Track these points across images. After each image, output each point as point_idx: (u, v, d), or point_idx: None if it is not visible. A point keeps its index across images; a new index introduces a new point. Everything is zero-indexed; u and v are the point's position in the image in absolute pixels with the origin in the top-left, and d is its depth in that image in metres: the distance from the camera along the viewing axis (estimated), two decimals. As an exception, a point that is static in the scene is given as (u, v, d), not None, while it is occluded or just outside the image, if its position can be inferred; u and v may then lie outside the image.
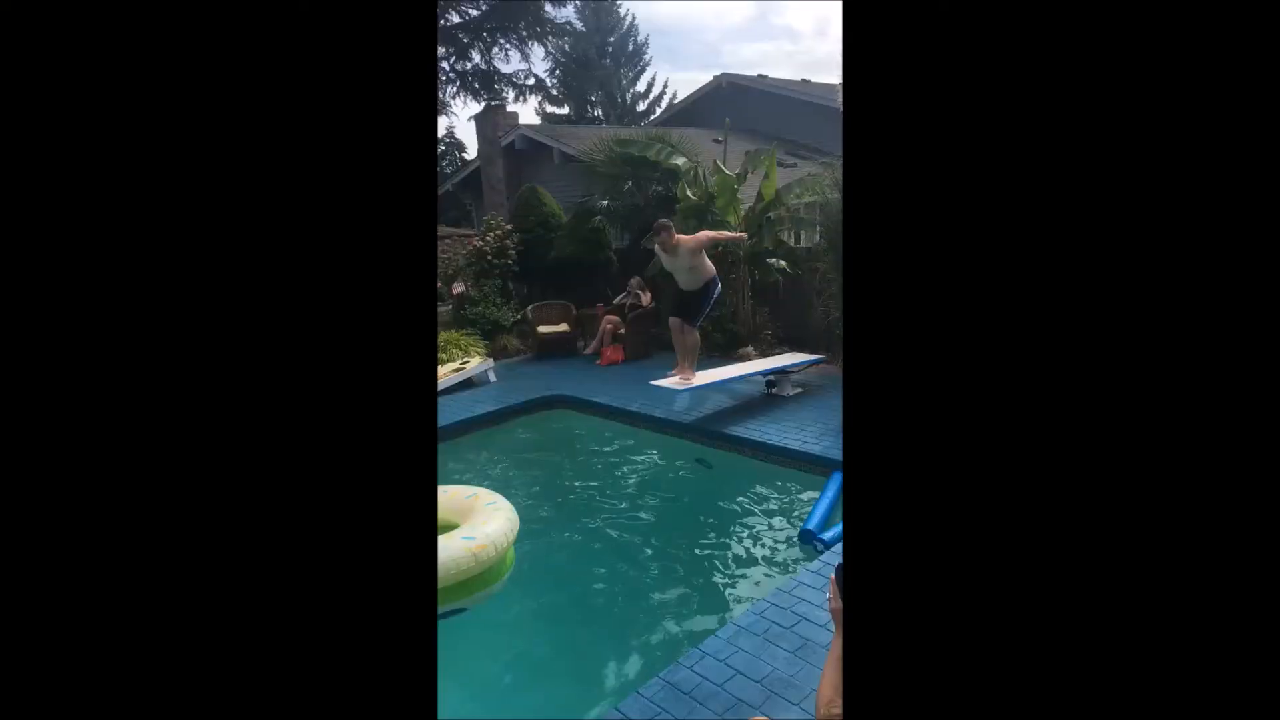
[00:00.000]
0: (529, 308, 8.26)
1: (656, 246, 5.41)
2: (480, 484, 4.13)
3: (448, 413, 5.89)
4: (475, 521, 3.17)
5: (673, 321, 5.59)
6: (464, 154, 20.02)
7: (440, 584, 2.86)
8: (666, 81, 32.14)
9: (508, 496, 3.75)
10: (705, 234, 5.46)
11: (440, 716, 2.79)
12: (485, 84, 19.89)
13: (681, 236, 5.30)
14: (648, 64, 22.51)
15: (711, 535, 4.00)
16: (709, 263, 5.42)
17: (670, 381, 5.55)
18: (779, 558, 3.70)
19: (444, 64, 19.42)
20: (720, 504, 4.37)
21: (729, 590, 3.46)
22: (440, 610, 2.96)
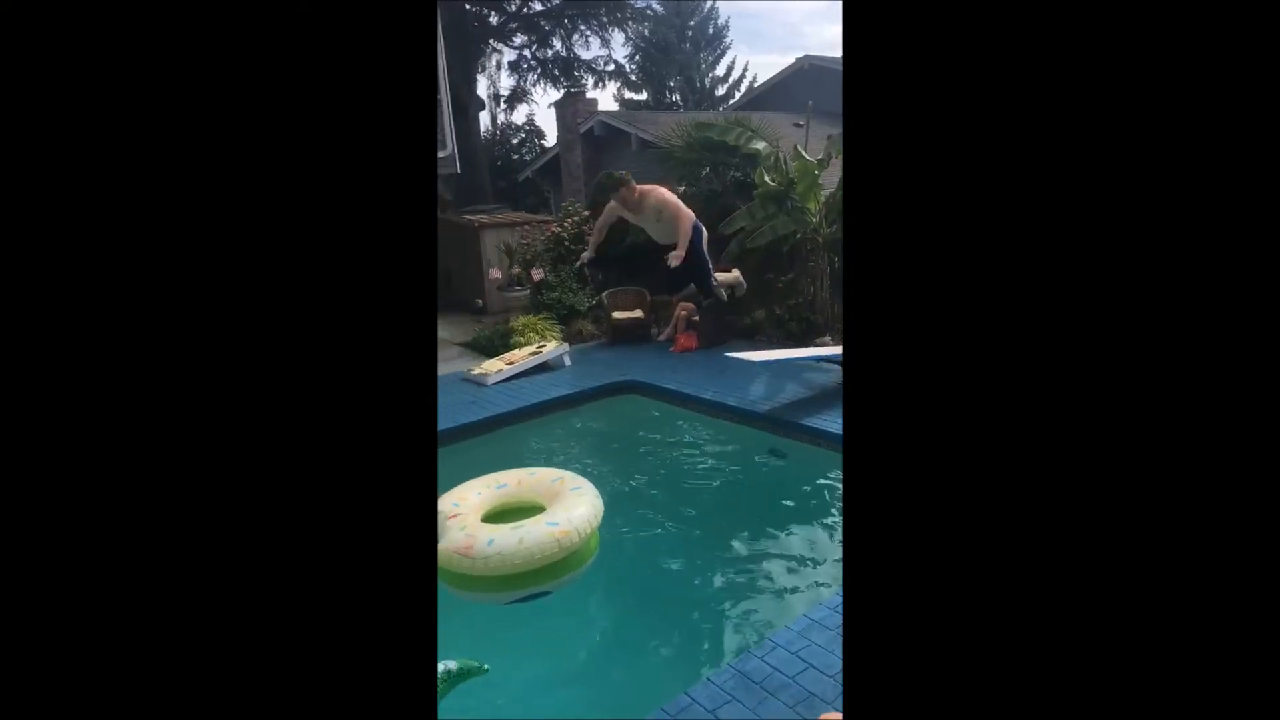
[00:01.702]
0: (604, 294, 8.32)
1: (614, 204, 4.53)
2: (552, 465, 4.20)
3: (524, 395, 6.02)
4: (560, 506, 3.23)
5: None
6: (543, 141, 20.28)
7: (525, 568, 2.94)
8: (747, 65, 31.50)
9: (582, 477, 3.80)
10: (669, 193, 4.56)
11: (516, 696, 2.86)
12: (565, 71, 20.07)
13: (643, 186, 4.50)
14: (728, 47, 22.10)
15: (784, 526, 3.94)
16: (683, 206, 4.50)
17: (747, 355, 5.51)
18: (854, 553, 3.61)
19: (525, 51, 19.70)
20: (793, 495, 4.30)
21: (801, 583, 3.41)
22: (524, 593, 3.04)
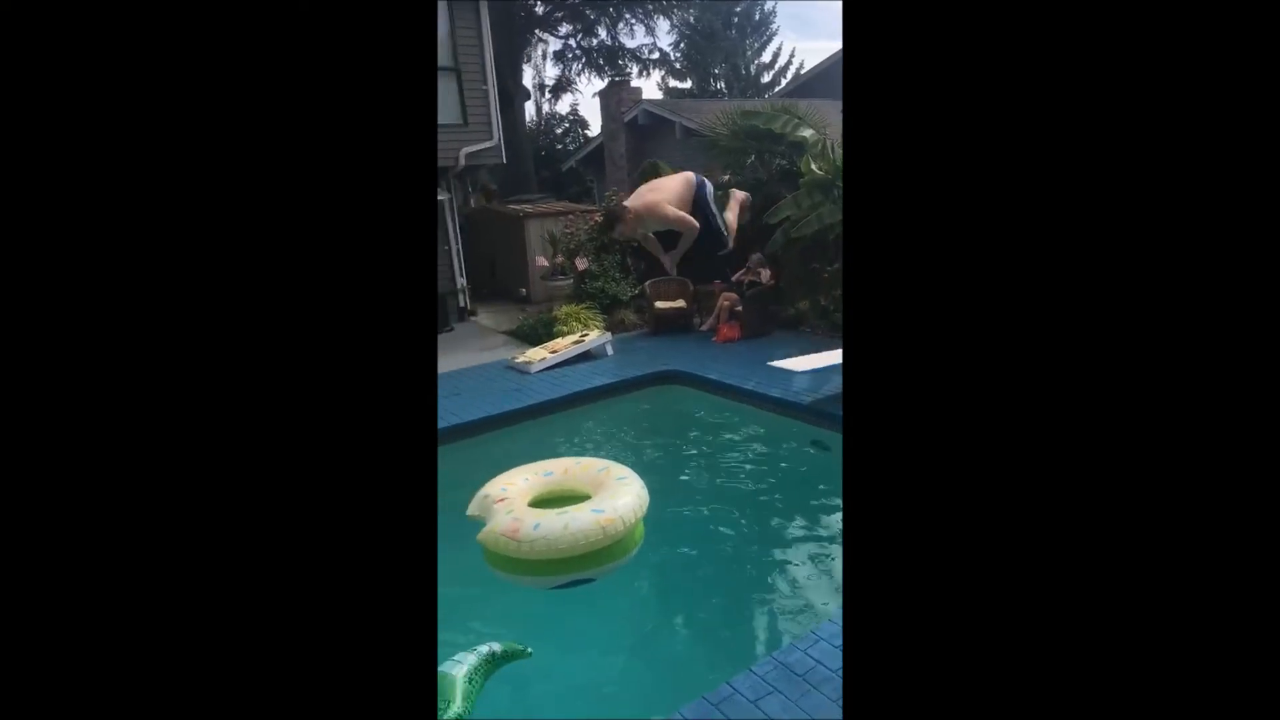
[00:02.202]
0: (647, 283, 8.31)
1: (617, 233, 3.91)
2: (592, 454, 4.23)
3: (566, 384, 6.06)
4: (605, 495, 3.25)
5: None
6: (587, 131, 20.30)
7: (569, 554, 2.97)
8: (794, 51, 31.05)
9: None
10: (657, 198, 3.77)
11: (558, 682, 2.89)
12: (610, 59, 20.02)
13: (635, 206, 3.74)
14: (774, 33, 21.72)
15: (827, 519, 3.90)
16: (672, 211, 3.74)
17: (789, 363, 5.41)
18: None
19: (570, 41, 19.72)
20: (837, 487, 4.24)
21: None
22: (568, 579, 3.07)
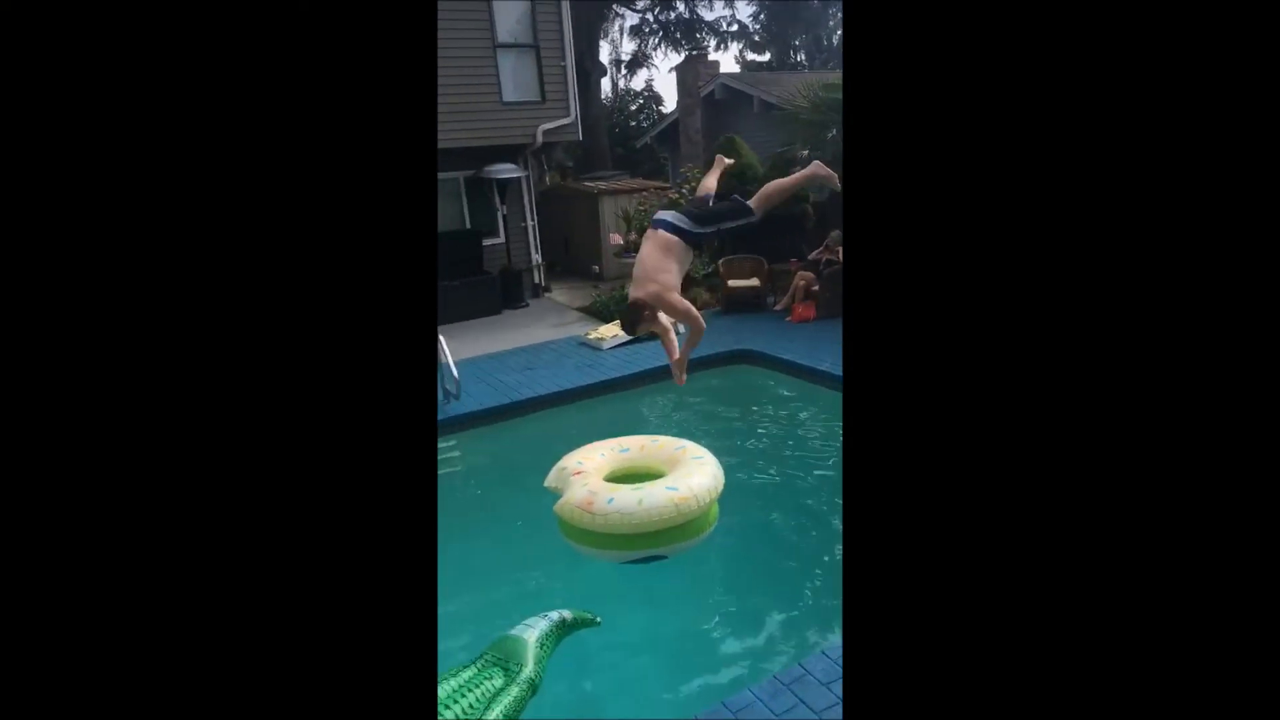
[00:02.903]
0: (720, 261, 8.22)
1: (642, 329, 3.26)
2: (663, 432, 4.24)
3: (638, 361, 6.09)
4: (681, 473, 3.28)
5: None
6: (661, 107, 20.12)
7: (642, 529, 3.03)
8: (878, 20, 29.51)
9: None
10: (659, 288, 3.07)
11: (620, 651, 2.93)
12: (687, 33, 19.72)
13: (644, 297, 3.09)
14: (859, 1, 20.80)
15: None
16: (689, 309, 3.17)
17: None
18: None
19: (648, 15, 19.51)
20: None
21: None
22: (640, 554, 3.12)
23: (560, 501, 3.21)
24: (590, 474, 3.34)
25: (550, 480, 3.45)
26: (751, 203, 3.28)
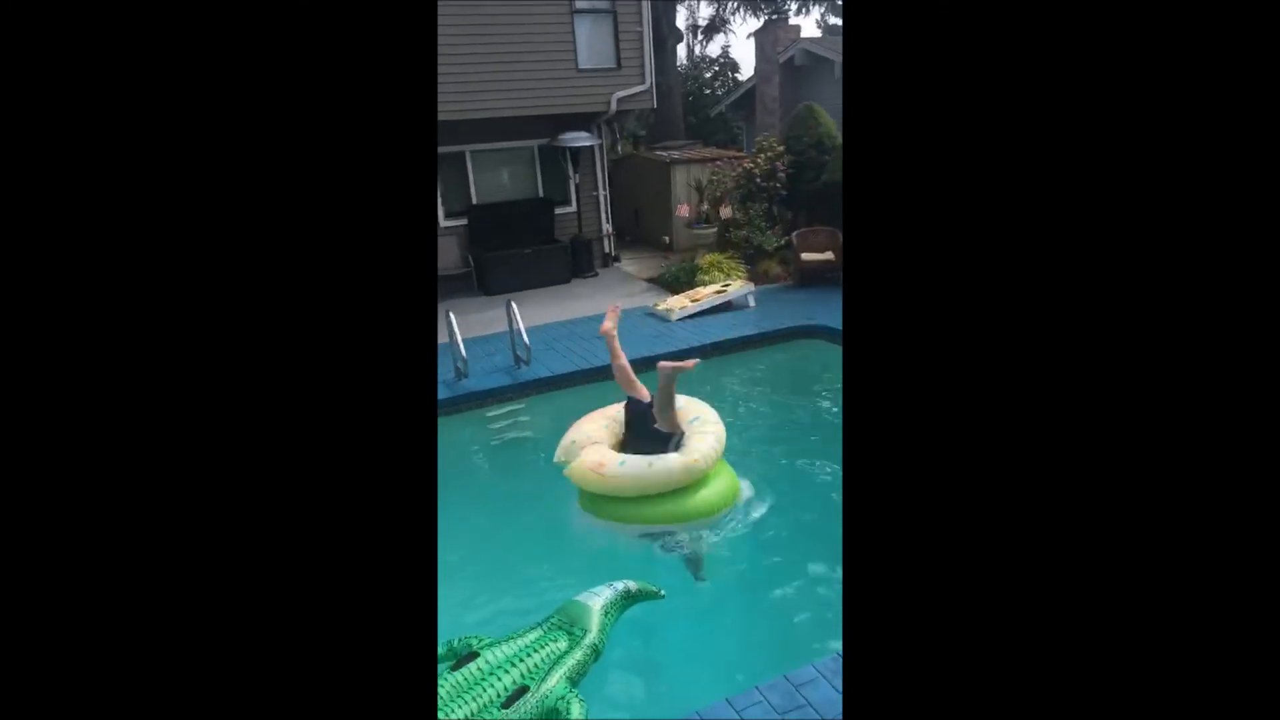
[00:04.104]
0: (794, 233, 8.03)
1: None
2: (730, 406, 4.20)
3: (706, 332, 6.06)
4: (687, 436, 3.35)
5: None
6: (737, 74, 19.62)
7: (655, 489, 3.13)
8: (972, -20, 27.84)
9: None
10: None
11: (662, 628, 2.94)
12: (767, -3, 19.07)
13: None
14: (952, -40, 19.67)
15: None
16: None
17: None
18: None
19: (727, -22, 18.95)
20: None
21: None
22: (654, 528, 3.20)
23: (572, 465, 3.28)
24: (601, 444, 3.42)
25: (559, 455, 3.52)
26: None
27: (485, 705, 2.19)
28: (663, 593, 2.79)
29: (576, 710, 2.20)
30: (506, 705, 2.19)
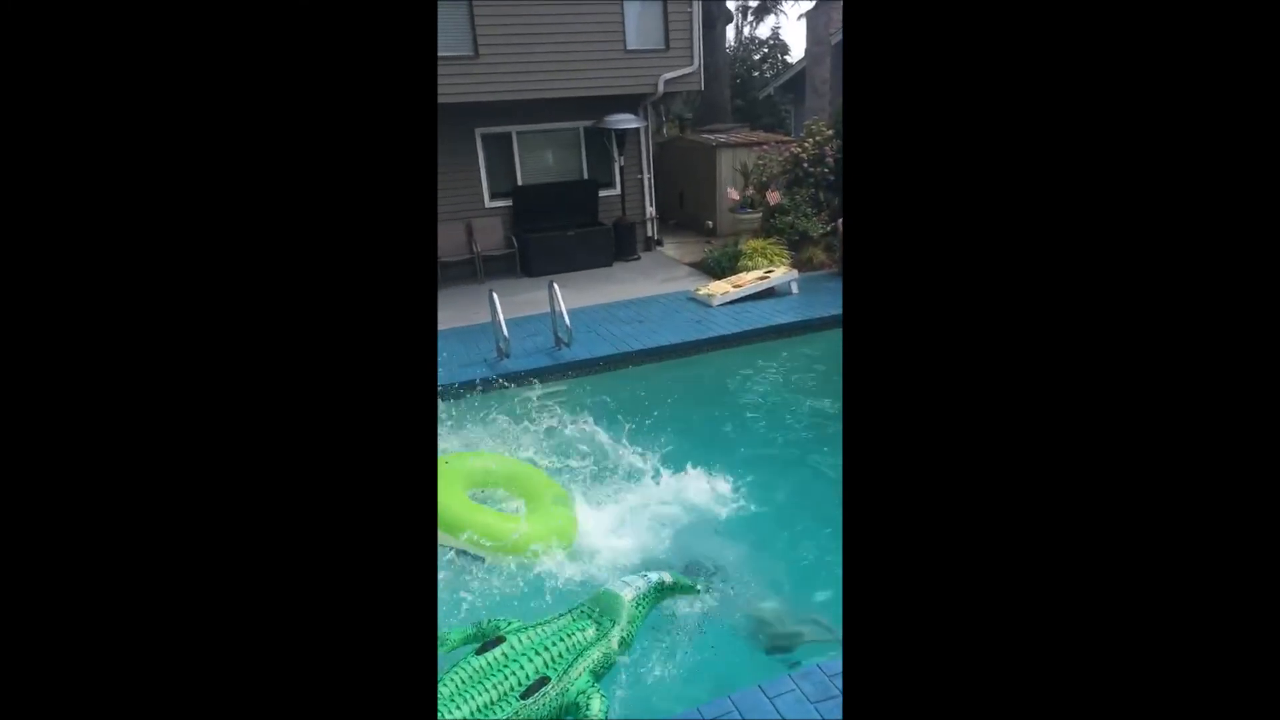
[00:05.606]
0: (840, 220, 7.88)
1: None
2: (769, 393, 4.12)
3: (747, 319, 6.01)
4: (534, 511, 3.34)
5: None
6: (787, 56, 19.25)
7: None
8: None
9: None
10: None
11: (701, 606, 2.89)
12: (821, -24, 18.62)
13: None
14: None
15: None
16: None
17: None
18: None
19: (780, -43, 18.55)
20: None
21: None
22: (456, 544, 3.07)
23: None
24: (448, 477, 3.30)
25: None
26: None
27: (505, 693, 2.16)
28: (699, 586, 2.76)
29: (596, 706, 2.15)
30: (526, 695, 2.15)
